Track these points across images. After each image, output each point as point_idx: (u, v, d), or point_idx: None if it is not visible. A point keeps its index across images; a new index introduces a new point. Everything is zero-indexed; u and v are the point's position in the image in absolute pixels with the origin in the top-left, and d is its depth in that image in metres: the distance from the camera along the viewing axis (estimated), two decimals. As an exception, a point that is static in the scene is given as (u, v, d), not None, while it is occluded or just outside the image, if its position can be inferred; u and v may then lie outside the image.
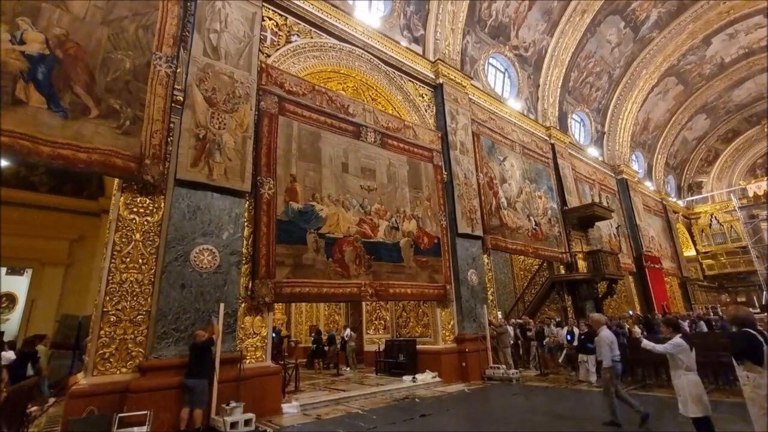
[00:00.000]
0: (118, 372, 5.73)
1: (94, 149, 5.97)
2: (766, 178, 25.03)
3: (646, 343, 4.58)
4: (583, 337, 9.75)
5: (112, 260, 6.02)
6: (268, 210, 7.75)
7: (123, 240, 6.18)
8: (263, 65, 8.49)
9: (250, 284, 7.26)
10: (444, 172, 11.72)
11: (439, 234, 10.98)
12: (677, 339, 4.34)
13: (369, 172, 9.91)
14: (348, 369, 12.29)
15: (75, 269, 13.55)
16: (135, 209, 6.38)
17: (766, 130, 27.60)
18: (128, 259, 6.15)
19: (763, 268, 24.53)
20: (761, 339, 3.35)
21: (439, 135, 12.01)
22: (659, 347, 4.37)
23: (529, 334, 12.22)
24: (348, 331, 13.00)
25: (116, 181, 6.51)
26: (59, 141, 5.69)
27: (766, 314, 17.02)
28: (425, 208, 10.88)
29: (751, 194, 24.92)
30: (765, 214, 26.63)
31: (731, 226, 27.97)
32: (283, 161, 8.29)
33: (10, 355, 7.87)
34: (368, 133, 10.11)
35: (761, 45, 21.97)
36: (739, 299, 27.22)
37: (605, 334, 5.95)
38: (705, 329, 13.96)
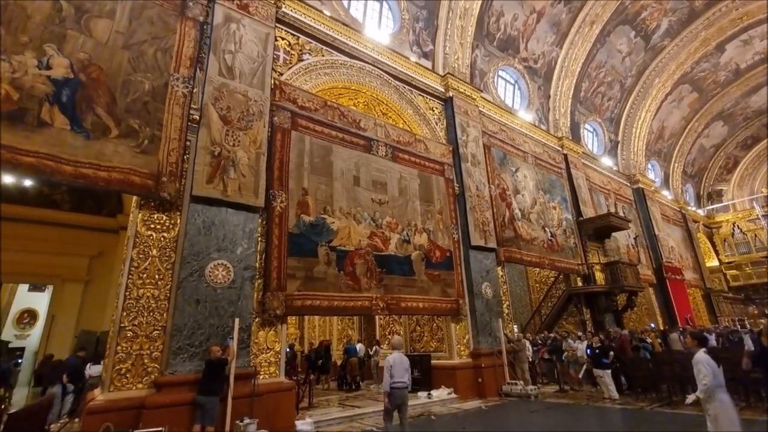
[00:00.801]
0: (134, 388, 5.76)
1: (114, 168, 6.15)
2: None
3: (700, 393, 4.10)
4: (597, 351, 9.45)
5: (130, 276, 6.12)
6: (280, 223, 7.84)
7: (140, 256, 6.29)
8: (276, 82, 8.70)
9: (262, 297, 7.29)
10: (456, 184, 11.70)
11: (451, 247, 10.89)
12: (705, 357, 4.13)
13: (380, 186, 9.95)
14: (374, 386, 11.86)
15: (94, 285, 13.83)
16: (152, 225, 6.51)
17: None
18: (145, 275, 6.25)
19: (791, 278, 23.59)
20: None
21: (450, 149, 12.03)
22: (703, 389, 3.99)
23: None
24: (376, 347, 12.72)
25: (134, 198, 6.68)
26: (81, 160, 5.88)
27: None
28: (437, 221, 10.83)
29: (774, 202, 24.17)
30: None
31: (755, 235, 27.07)
32: (295, 175, 8.41)
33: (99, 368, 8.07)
34: (379, 146, 10.19)
35: (778, 50, 21.60)
36: (767, 311, 26.12)
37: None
38: (750, 345, 12.58)
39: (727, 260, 28.10)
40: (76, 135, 5.96)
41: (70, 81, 6.11)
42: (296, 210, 8.19)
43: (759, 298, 27.33)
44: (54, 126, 5.81)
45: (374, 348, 12.54)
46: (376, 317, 13.97)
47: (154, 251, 6.42)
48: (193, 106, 7.26)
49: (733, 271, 27.70)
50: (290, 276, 7.67)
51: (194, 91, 7.36)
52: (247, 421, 5.91)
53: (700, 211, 29.27)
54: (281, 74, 9.03)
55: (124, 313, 5.94)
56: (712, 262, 27.67)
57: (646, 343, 11.08)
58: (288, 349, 13.43)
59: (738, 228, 28.06)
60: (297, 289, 7.70)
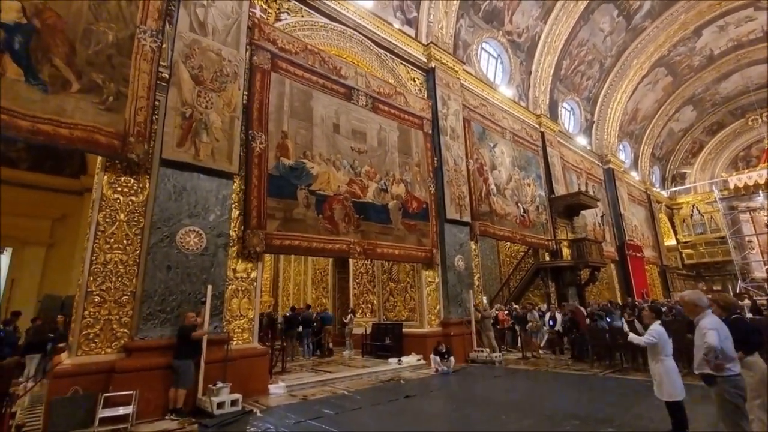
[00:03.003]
0: (103, 352, 5.70)
1: (76, 125, 5.78)
2: (746, 171, 25.62)
3: (632, 337, 4.62)
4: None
5: (96, 240, 5.91)
6: (259, 164, 7.87)
7: (107, 220, 6.06)
8: (255, 20, 8.39)
9: (242, 234, 7.39)
10: (434, 143, 11.86)
11: (428, 199, 11.22)
12: (658, 327, 4.45)
13: (360, 135, 10.04)
14: (347, 352, 12.25)
15: (57, 249, 13.28)
16: (119, 189, 6.24)
17: (750, 123, 28.15)
18: (112, 240, 6.05)
19: (739, 258, 25.38)
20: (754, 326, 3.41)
21: (429, 104, 12.12)
22: (643, 340, 4.42)
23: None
24: (350, 315, 12.95)
25: (99, 159, 6.34)
26: (39, 116, 5.49)
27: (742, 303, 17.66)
28: (414, 173, 11.10)
29: (732, 186, 25.52)
30: (744, 206, 27.40)
31: (711, 217, 28.71)
32: (275, 117, 8.38)
33: None
34: (360, 96, 10.18)
35: (750, 38, 22.18)
36: (714, 287, 28.18)
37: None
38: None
39: (684, 239, 29.83)
40: (32, 88, 5.52)
41: (22, 26, 5.60)
42: (276, 152, 8.23)
43: (709, 276, 29.38)
44: (6, 76, 5.35)
45: (349, 316, 12.81)
46: (351, 287, 14.16)
47: (122, 215, 6.19)
48: (162, 63, 6.84)
49: (689, 250, 29.49)
50: (270, 216, 7.82)
51: (163, 46, 6.91)
52: (220, 384, 5.99)
53: (664, 193, 30.65)
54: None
55: (91, 278, 5.78)
56: (670, 241, 29.31)
57: (608, 315, 11.65)
58: (265, 317, 13.47)
59: (697, 210, 29.64)
60: (276, 229, 7.88)
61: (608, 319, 10.66)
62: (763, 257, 26.75)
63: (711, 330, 3.30)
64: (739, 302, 10.68)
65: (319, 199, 8.70)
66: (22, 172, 12.85)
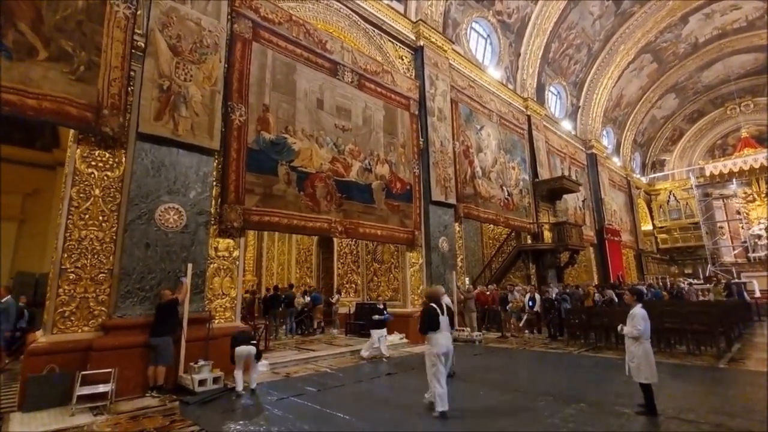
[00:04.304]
0: (79, 330, 5.59)
1: (45, 95, 5.48)
2: (722, 159, 26.38)
3: (627, 331, 4.63)
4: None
5: (69, 216, 5.71)
6: (239, 137, 7.64)
7: (81, 195, 5.84)
8: None
9: (219, 209, 7.21)
10: (420, 123, 11.77)
11: (412, 181, 11.18)
12: (642, 311, 4.58)
13: (344, 112, 9.86)
14: (335, 331, 12.32)
15: (30, 225, 12.82)
16: (93, 163, 6.00)
17: (728, 113, 28.79)
18: (87, 216, 5.85)
19: (710, 243, 26.40)
20: None
21: (417, 84, 11.94)
22: (635, 332, 4.49)
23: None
24: (337, 296, 13.01)
25: (71, 132, 6.05)
26: (4, 84, 5.17)
27: (710, 285, 18.46)
28: (399, 154, 11.02)
29: (708, 174, 26.30)
30: (718, 193, 28.32)
31: (687, 203, 29.62)
32: (255, 90, 8.11)
33: None
34: (345, 72, 9.95)
35: (734, 27, 22.43)
36: (686, 271, 29.35)
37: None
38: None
39: (660, 225, 30.78)
40: (-6, 53, 5.18)
41: (-18, -14, 5.20)
42: (256, 126, 8.00)
43: (681, 260, 30.54)
44: (-34, 40, 5.01)
45: (336, 297, 12.89)
46: (336, 267, 14.19)
47: (97, 191, 5.97)
48: (137, 31, 6.50)
49: (663, 235, 30.49)
50: (248, 191, 7.65)
51: (138, 13, 6.54)
52: (201, 362, 5.98)
53: (643, 179, 31.37)
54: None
55: (65, 255, 5.60)
56: (647, 226, 30.21)
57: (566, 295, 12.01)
58: (248, 294, 13.43)
59: (674, 196, 30.51)
60: (255, 204, 7.72)
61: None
62: (732, 243, 27.88)
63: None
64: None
65: (301, 176, 8.54)
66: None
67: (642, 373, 4.43)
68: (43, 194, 12.84)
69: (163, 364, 5.73)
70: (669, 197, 30.65)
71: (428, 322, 4.85)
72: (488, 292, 12.99)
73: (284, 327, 12.08)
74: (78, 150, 5.90)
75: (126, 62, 6.28)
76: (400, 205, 10.68)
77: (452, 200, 12.03)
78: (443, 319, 4.91)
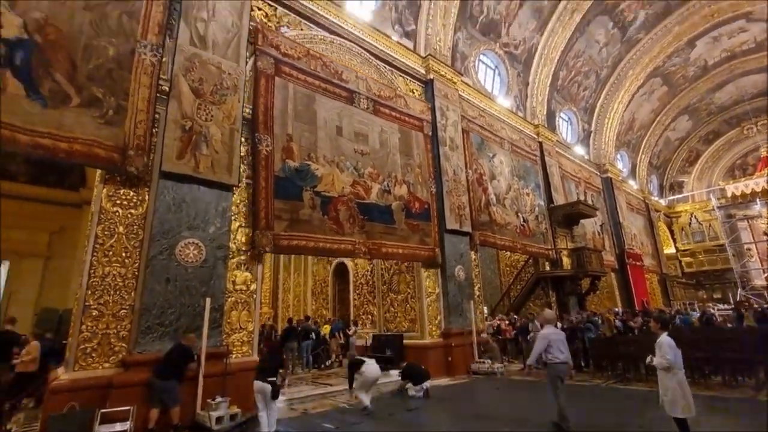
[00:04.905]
0: (100, 367, 5.62)
1: (76, 139, 5.80)
2: (743, 179, 25.78)
3: (657, 362, 4.33)
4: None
5: (94, 253, 5.88)
6: (266, 166, 8.01)
7: (105, 233, 6.03)
8: (258, 26, 8.58)
9: (251, 236, 7.50)
10: (434, 151, 11.98)
11: (429, 200, 11.34)
12: (668, 339, 4.32)
13: (362, 137, 10.22)
14: None
15: (55, 261, 13.19)
16: (118, 201, 6.23)
17: (745, 132, 28.40)
18: (111, 253, 6.02)
19: (738, 266, 25.34)
20: None
21: (429, 106, 12.30)
22: (664, 363, 4.23)
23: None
24: (354, 327, 12.86)
25: (98, 172, 6.34)
26: (39, 130, 5.50)
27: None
28: (416, 174, 11.27)
29: (729, 194, 25.64)
30: (742, 214, 27.46)
31: (710, 225, 28.77)
32: (279, 121, 8.54)
33: None
34: (361, 99, 10.38)
35: (743, 49, 22.51)
36: (715, 296, 28.09)
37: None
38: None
39: (683, 248, 29.84)
40: (32, 102, 5.55)
41: (23, 42, 5.64)
42: (281, 154, 8.38)
43: (708, 284, 29.31)
44: (7, 91, 5.38)
45: (353, 328, 12.73)
46: (351, 299, 14.09)
47: (121, 228, 6.17)
48: (162, 76, 6.89)
49: (688, 258, 29.49)
50: (277, 217, 7.93)
51: (163, 60, 6.96)
52: (219, 399, 5.91)
53: (662, 201, 30.76)
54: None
55: (89, 292, 5.72)
56: (670, 250, 29.31)
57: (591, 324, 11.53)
58: (264, 329, 13.30)
59: (695, 218, 29.71)
60: (284, 229, 7.98)
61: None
62: (762, 265, 26.73)
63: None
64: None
65: (324, 200, 8.82)
66: (21, 185, 12.84)
67: (677, 407, 4.16)
68: (69, 232, 13.28)
69: (173, 406, 5.57)
70: (690, 219, 29.86)
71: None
72: (503, 325, 12.59)
73: (301, 360, 11.89)
74: (104, 189, 6.15)
75: (151, 105, 6.62)
76: (420, 224, 10.81)
77: (467, 228, 11.98)
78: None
